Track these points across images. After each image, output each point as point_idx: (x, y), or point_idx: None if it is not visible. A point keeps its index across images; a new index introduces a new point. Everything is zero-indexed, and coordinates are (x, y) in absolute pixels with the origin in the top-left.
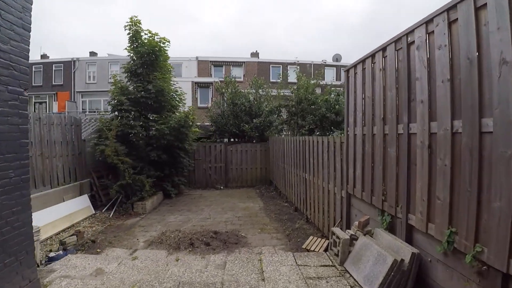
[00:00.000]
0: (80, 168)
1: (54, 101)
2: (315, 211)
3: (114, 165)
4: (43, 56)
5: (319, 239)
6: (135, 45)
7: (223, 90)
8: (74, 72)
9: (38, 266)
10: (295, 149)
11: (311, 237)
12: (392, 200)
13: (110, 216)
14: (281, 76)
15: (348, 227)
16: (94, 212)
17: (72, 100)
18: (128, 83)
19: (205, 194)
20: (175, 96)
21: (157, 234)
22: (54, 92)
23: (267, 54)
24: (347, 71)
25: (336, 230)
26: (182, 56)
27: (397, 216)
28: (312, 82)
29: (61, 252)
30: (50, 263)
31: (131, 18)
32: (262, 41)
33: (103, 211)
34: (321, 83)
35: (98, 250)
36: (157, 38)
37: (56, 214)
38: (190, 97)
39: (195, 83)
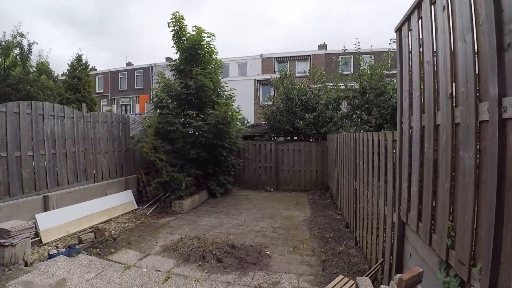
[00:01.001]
0: (127, 164)
1: (136, 103)
2: (363, 232)
3: (153, 162)
4: (128, 64)
5: (351, 281)
6: (179, 42)
7: (278, 84)
8: (152, 76)
9: (26, 265)
10: (346, 149)
11: (340, 277)
12: (465, 252)
13: (148, 213)
14: (342, 66)
15: (399, 270)
16: (136, 207)
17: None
18: (174, 81)
19: (252, 195)
20: (221, 93)
21: (177, 239)
22: (136, 95)
23: (339, 45)
24: (399, 30)
25: (363, 282)
26: (247, 55)
27: (471, 284)
28: (378, 70)
29: (63, 250)
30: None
31: (174, 15)
32: (342, 35)
33: (144, 207)
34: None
35: (112, 250)
36: (204, 34)
37: (95, 208)
38: (252, 96)
39: (257, 81)
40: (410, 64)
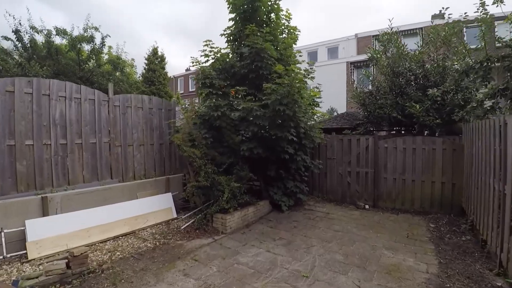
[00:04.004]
0: (170, 159)
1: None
2: None
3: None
4: (187, 69)
5: None
6: None
7: (379, 55)
8: None
9: None
10: None
11: None
12: None
13: (182, 228)
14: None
15: None
16: (174, 216)
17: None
18: (224, 51)
19: (334, 214)
20: (290, 62)
21: None
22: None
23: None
24: None
25: None
26: (338, 37)
27: None
28: None
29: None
30: None
31: None
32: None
33: (183, 217)
34: None
35: None
36: None
37: (116, 214)
38: (344, 81)
39: (351, 63)
40: None
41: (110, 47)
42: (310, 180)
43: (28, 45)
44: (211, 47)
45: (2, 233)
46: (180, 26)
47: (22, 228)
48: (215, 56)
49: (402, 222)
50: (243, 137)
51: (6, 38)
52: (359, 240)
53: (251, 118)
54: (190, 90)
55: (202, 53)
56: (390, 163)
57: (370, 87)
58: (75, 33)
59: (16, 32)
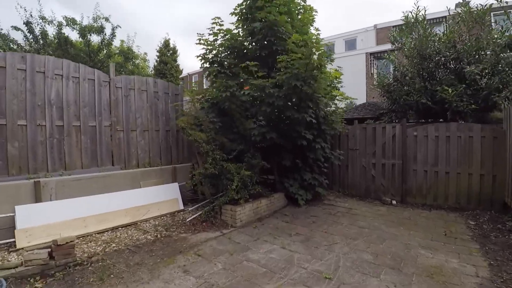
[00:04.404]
0: (178, 147)
1: None
2: None
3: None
4: (201, 67)
5: None
6: None
7: (403, 37)
8: None
9: None
10: None
11: None
12: None
13: (187, 220)
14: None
15: None
16: (181, 208)
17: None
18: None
19: (357, 209)
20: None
21: None
22: None
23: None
24: None
25: None
26: (356, 29)
27: None
28: None
29: None
30: None
31: None
32: None
33: (190, 209)
34: None
35: None
36: None
37: (116, 204)
38: (363, 73)
39: (370, 54)
40: None
41: (122, 41)
42: (330, 173)
43: (39, 36)
44: (220, 25)
45: None
46: (195, 27)
47: (12, 214)
48: (225, 35)
49: (436, 219)
50: (254, 124)
51: (16, 29)
52: (389, 238)
53: (263, 96)
54: (205, 88)
55: (210, 32)
56: (420, 153)
57: (393, 74)
58: (85, 22)
59: (27, 23)
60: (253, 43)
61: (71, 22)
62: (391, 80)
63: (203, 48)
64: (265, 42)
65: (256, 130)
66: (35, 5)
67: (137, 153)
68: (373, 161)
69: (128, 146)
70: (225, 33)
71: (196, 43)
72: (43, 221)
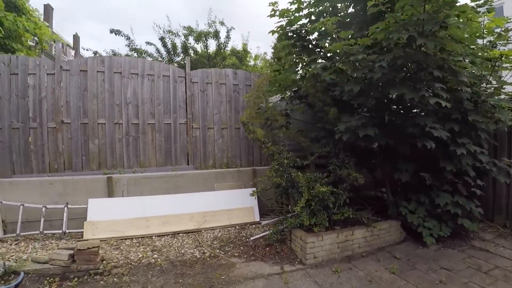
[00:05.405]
0: (260, 147)
1: None
2: None
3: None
4: None
5: None
6: None
7: None
8: None
9: None
10: None
11: None
12: None
13: (252, 238)
14: None
15: None
16: (256, 220)
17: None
18: None
19: None
20: None
21: None
22: None
23: None
24: None
25: None
26: None
27: None
28: None
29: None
30: None
31: None
32: None
33: (265, 222)
34: None
35: None
36: None
37: (183, 206)
38: None
39: None
40: None
41: (244, 44)
42: (488, 196)
43: (170, 48)
44: None
45: (66, 208)
46: None
47: (86, 206)
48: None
49: None
50: (350, 115)
51: (149, 44)
52: None
53: (350, 67)
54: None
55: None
56: None
57: None
58: (201, 27)
59: (161, 39)
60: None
61: (188, 30)
62: None
63: (278, 22)
64: None
65: (343, 124)
66: (165, 21)
67: (214, 152)
68: None
69: (205, 144)
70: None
71: (269, 16)
72: (109, 216)
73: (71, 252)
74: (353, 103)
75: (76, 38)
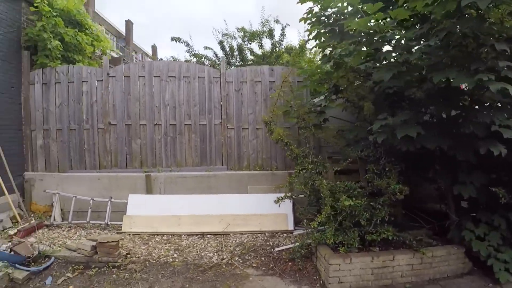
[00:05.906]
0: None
1: None
2: None
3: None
4: None
5: None
6: None
7: None
8: None
9: None
10: None
11: None
12: None
13: (276, 249)
14: None
15: None
16: (289, 228)
17: None
18: None
19: None
20: None
21: None
22: None
23: None
24: None
25: None
26: None
27: None
28: None
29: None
30: None
31: None
32: None
33: (298, 232)
34: None
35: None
36: None
37: (214, 207)
38: None
39: None
40: None
41: (302, 41)
42: None
43: (228, 51)
44: None
45: (109, 202)
46: None
47: (126, 201)
48: None
49: None
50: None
51: (207, 48)
52: None
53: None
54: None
55: None
56: None
57: None
58: (254, 26)
59: (220, 43)
60: None
61: (242, 31)
62: None
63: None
64: None
65: (378, 122)
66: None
67: (248, 153)
68: None
69: (239, 145)
70: None
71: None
72: (145, 212)
73: (94, 243)
74: (398, 96)
75: (154, 48)
